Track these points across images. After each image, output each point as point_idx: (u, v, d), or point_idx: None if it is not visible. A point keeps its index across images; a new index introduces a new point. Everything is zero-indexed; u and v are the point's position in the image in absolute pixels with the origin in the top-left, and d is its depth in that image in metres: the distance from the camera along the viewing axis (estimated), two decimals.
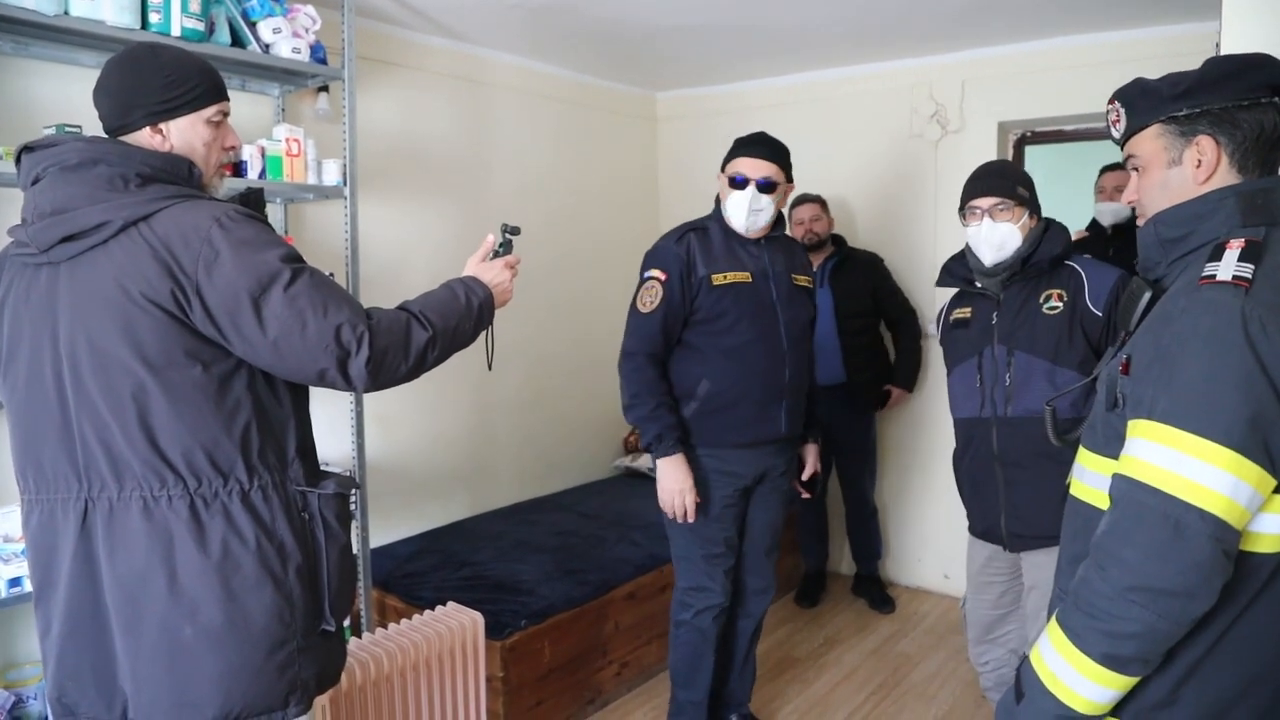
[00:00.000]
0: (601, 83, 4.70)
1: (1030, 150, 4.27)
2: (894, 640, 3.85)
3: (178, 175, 1.54)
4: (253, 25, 2.74)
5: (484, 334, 1.82)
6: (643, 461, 4.62)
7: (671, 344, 2.64)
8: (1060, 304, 2.27)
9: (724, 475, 2.66)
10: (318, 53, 2.90)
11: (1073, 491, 1.47)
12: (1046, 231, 2.36)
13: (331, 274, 2.03)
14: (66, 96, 2.62)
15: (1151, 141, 1.38)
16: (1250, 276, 1.19)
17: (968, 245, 2.42)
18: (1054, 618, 1.30)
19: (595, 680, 3.20)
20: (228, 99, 1.65)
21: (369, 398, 3.16)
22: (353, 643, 2.46)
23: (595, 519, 3.85)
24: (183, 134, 1.58)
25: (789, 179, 2.67)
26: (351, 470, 3.03)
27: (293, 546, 1.56)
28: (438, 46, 3.82)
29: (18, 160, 1.53)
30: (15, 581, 2.25)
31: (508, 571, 3.20)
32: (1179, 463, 1.16)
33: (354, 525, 2.84)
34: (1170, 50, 3.49)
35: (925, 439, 4.33)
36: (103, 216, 1.44)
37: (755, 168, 2.59)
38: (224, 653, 1.49)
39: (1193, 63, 1.38)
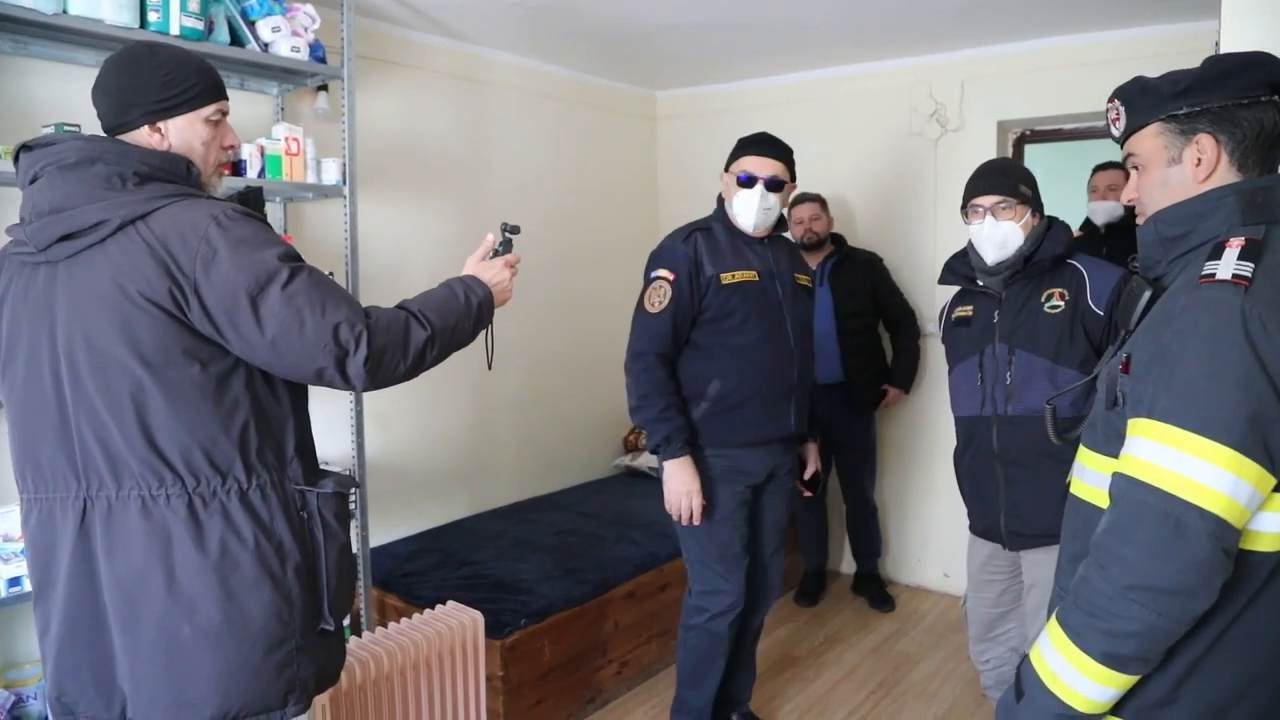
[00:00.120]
0: (601, 81, 4.70)
1: (1029, 149, 4.27)
2: (894, 639, 3.85)
3: (176, 174, 1.54)
4: (252, 24, 2.74)
5: (484, 333, 1.82)
6: (643, 460, 4.62)
7: (680, 344, 2.64)
8: (1062, 303, 2.27)
9: (737, 474, 2.66)
10: (317, 52, 2.90)
11: (1073, 490, 1.47)
12: (1049, 230, 2.35)
13: (331, 273, 2.04)
14: (65, 95, 2.62)
15: (1151, 140, 1.37)
16: (1250, 275, 1.19)
17: (970, 243, 2.42)
18: (1054, 616, 1.30)
19: (595, 679, 3.20)
20: (226, 98, 1.65)
21: (368, 397, 3.16)
22: (352, 642, 2.46)
23: (595, 518, 3.85)
24: (181, 133, 1.57)
25: (793, 178, 2.68)
26: (351, 469, 3.03)
27: (291, 545, 1.56)
28: (437, 45, 3.82)
29: (16, 159, 1.53)
30: (15, 581, 2.24)
31: (507, 570, 3.20)
32: (1179, 461, 1.16)
33: (354, 524, 2.84)
34: (1169, 49, 3.49)
35: (925, 438, 4.33)
36: (100, 215, 1.44)
37: (763, 166, 2.59)
38: (222, 652, 1.49)
39: (1192, 61, 1.38)
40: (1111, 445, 1.32)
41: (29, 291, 1.51)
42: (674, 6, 3.42)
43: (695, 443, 2.62)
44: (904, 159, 4.30)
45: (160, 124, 1.55)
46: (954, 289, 2.56)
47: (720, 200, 2.73)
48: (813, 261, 3.99)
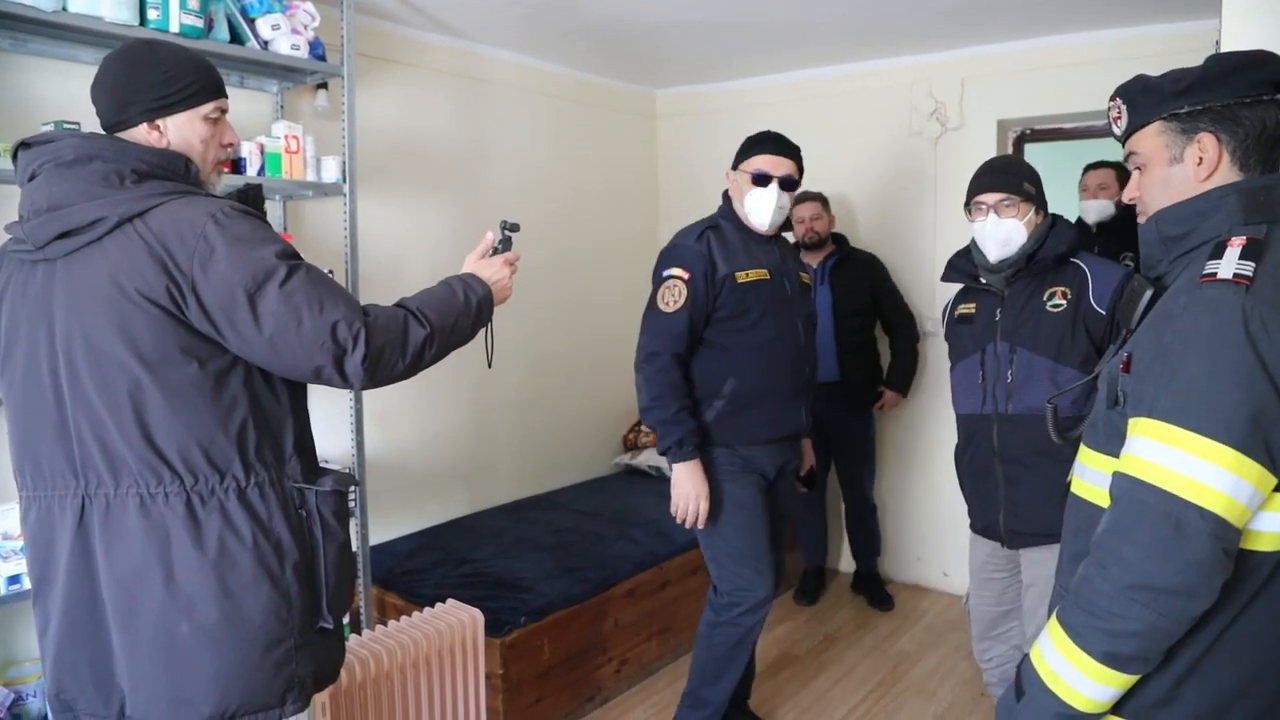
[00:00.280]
0: (601, 80, 4.69)
1: (1030, 148, 4.27)
2: (893, 638, 3.85)
3: (174, 172, 1.54)
4: (251, 22, 2.74)
5: (483, 332, 1.81)
6: (642, 459, 4.62)
7: (695, 343, 2.62)
8: (1064, 302, 2.27)
9: (752, 472, 2.66)
10: (316, 49, 2.89)
11: (1073, 489, 1.47)
12: (1053, 228, 2.35)
13: (331, 271, 2.04)
14: (65, 93, 2.62)
15: (1153, 139, 1.37)
16: (1251, 274, 1.19)
17: (973, 241, 2.42)
18: (1054, 615, 1.30)
19: (595, 677, 3.20)
20: (225, 96, 1.65)
21: (368, 395, 3.16)
22: (352, 640, 2.46)
23: (594, 516, 3.85)
24: (180, 130, 1.57)
25: (802, 176, 2.69)
26: (351, 467, 3.03)
27: (290, 544, 1.56)
28: (437, 43, 3.82)
29: (14, 156, 1.53)
30: (14, 579, 2.24)
31: (507, 569, 3.20)
32: (1180, 461, 1.16)
33: (353, 522, 2.84)
34: (1170, 48, 3.48)
35: (925, 437, 4.33)
36: (98, 213, 1.43)
37: (776, 165, 2.59)
38: (220, 650, 1.49)
39: (1193, 60, 1.38)
40: (1112, 444, 1.32)
41: (28, 289, 1.51)
42: (674, 4, 3.42)
43: (705, 445, 2.60)
44: (904, 158, 4.29)
45: (159, 121, 1.55)
46: (957, 286, 2.56)
47: (726, 198, 2.72)
48: (813, 260, 3.99)
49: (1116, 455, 1.28)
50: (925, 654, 3.68)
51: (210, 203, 1.49)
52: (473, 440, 4.08)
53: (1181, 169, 1.34)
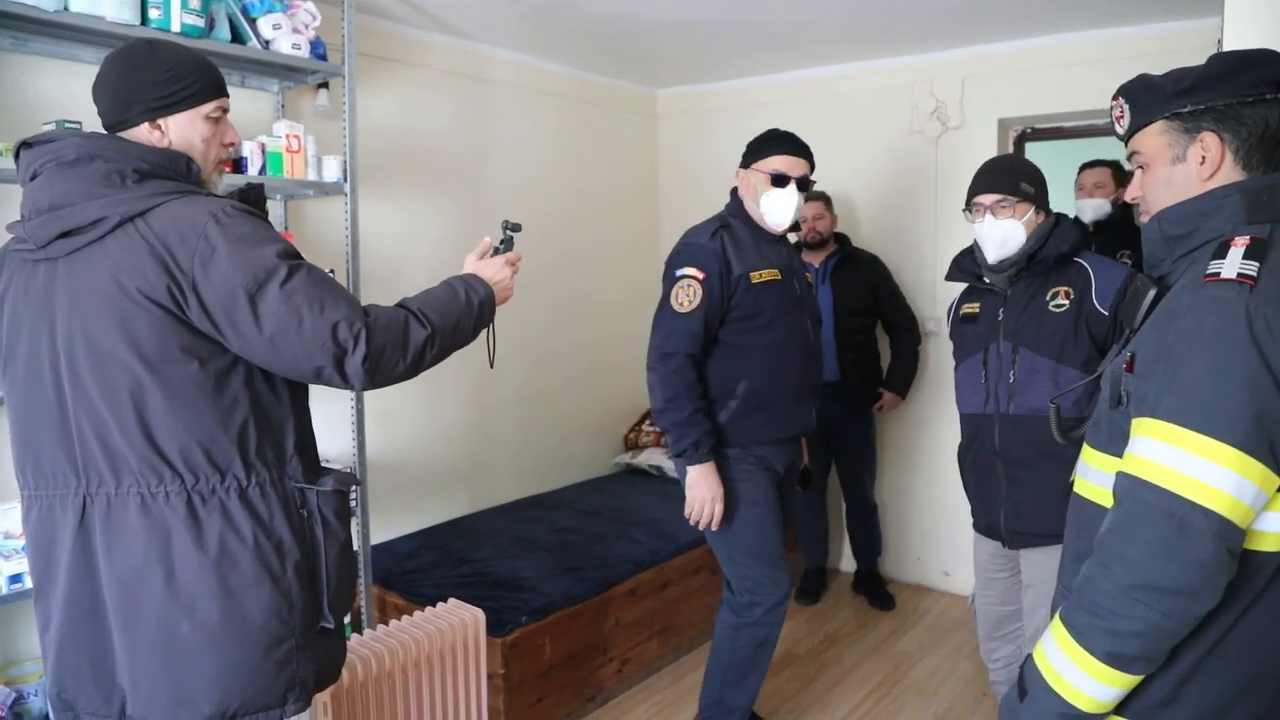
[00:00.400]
0: (601, 79, 4.69)
1: (1030, 147, 4.26)
2: (894, 638, 3.85)
3: (176, 171, 1.54)
4: (253, 21, 2.74)
5: (485, 332, 1.81)
6: (643, 458, 4.62)
7: (709, 344, 2.60)
8: (1067, 302, 2.26)
9: (765, 471, 2.65)
10: (318, 49, 2.89)
11: (1076, 489, 1.47)
12: (1056, 228, 2.34)
13: (332, 271, 2.04)
14: (66, 93, 2.62)
15: (1155, 138, 1.37)
16: (1255, 274, 1.18)
17: (975, 240, 2.42)
18: (1057, 615, 1.30)
19: (596, 677, 3.20)
20: (227, 95, 1.64)
21: (369, 395, 3.16)
22: (353, 639, 2.46)
23: (595, 516, 3.85)
24: (181, 130, 1.57)
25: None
26: (352, 467, 3.03)
27: (291, 544, 1.55)
28: (437, 43, 3.81)
29: (16, 156, 1.53)
30: (16, 578, 2.24)
31: (508, 568, 3.20)
32: (1183, 461, 1.16)
33: (354, 522, 2.84)
34: (1172, 47, 3.48)
35: (926, 436, 4.33)
36: (99, 212, 1.43)
37: (794, 165, 2.59)
38: (221, 650, 1.49)
39: (1195, 59, 1.38)
40: (1115, 444, 1.32)
41: (29, 288, 1.51)
42: (674, 4, 3.42)
43: (719, 445, 2.58)
44: (905, 157, 4.29)
45: (160, 121, 1.55)
46: (961, 286, 2.55)
47: (735, 197, 2.70)
48: (815, 260, 3.99)
49: (1120, 455, 1.28)
50: (926, 654, 3.68)
51: (212, 202, 1.49)
52: (473, 440, 4.08)
53: (1184, 168, 1.34)
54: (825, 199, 4.04)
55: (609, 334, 4.82)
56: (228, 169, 1.80)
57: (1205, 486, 1.14)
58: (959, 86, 4.11)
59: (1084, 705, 1.23)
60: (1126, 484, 1.22)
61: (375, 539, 3.33)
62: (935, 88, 4.16)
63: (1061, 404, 2.21)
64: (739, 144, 4.77)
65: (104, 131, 1.56)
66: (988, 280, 2.40)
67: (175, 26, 2.48)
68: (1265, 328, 1.15)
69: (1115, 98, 1.44)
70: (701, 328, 2.53)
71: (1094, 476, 1.40)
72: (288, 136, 2.84)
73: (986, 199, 2.34)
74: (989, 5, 3.42)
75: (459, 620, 2.61)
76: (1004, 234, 2.32)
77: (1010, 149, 4.20)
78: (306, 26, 2.87)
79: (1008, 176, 2.35)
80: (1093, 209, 3.80)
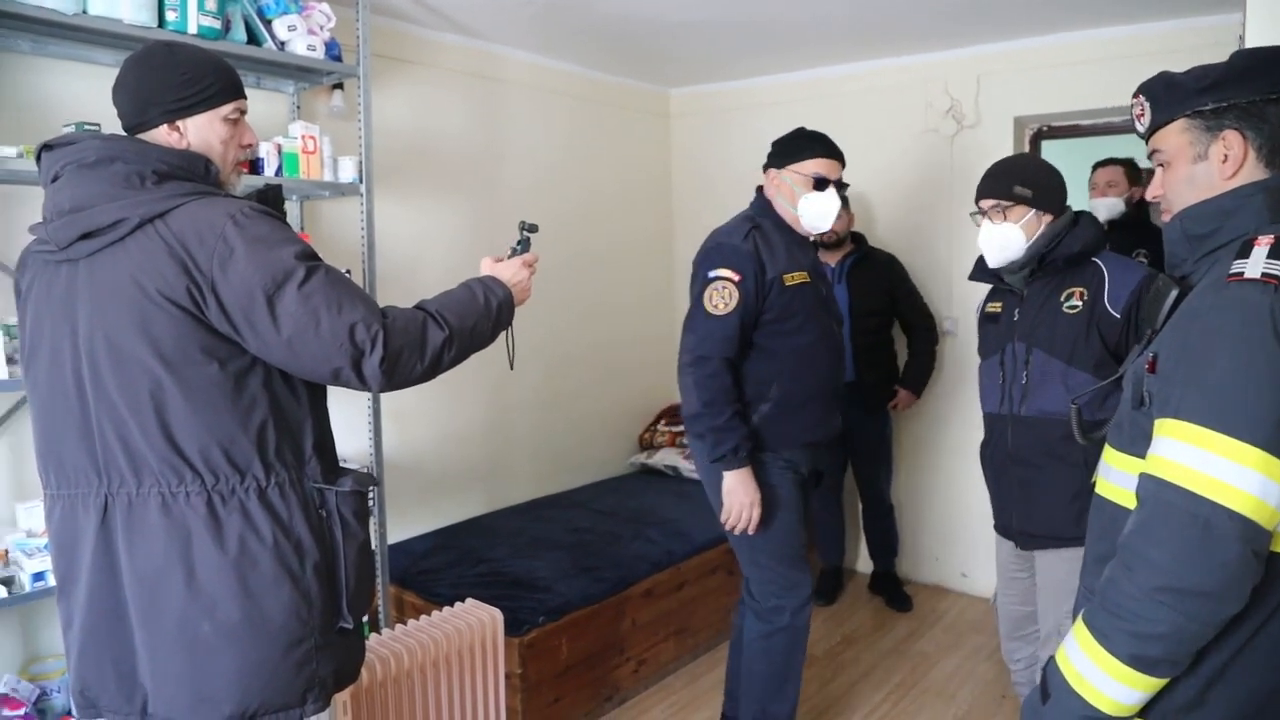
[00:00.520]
0: (614, 79, 4.69)
1: (1047, 145, 4.24)
2: (912, 639, 3.83)
3: (194, 172, 1.54)
4: (268, 23, 2.74)
5: (505, 334, 1.81)
6: (659, 458, 4.62)
7: (744, 347, 2.54)
8: (1080, 303, 2.23)
9: (794, 474, 2.62)
10: (333, 50, 2.90)
11: (1098, 490, 1.46)
12: (1074, 226, 2.30)
13: (348, 271, 2.04)
14: (85, 95, 2.63)
15: (1177, 136, 1.36)
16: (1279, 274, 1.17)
17: None
18: (1080, 617, 1.29)
19: (613, 677, 3.20)
20: (245, 96, 1.65)
21: (386, 395, 3.16)
22: (372, 639, 2.47)
23: (611, 516, 3.85)
24: (200, 131, 1.58)
25: None
26: (369, 467, 3.04)
27: (310, 544, 1.56)
28: (451, 43, 3.82)
29: (38, 158, 1.54)
30: (39, 576, 2.26)
31: (524, 568, 3.20)
32: (1206, 462, 1.15)
33: (371, 522, 2.85)
34: (1191, 44, 3.45)
35: (943, 436, 4.31)
36: (119, 214, 1.44)
37: (833, 168, 2.57)
38: (241, 649, 1.50)
39: (1214, 56, 1.36)
40: (1138, 445, 1.31)
41: (51, 289, 1.52)
42: (686, 3, 3.41)
43: (753, 449, 2.54)
44: (920, 156, 4.28)
45: (179, 123, 1.56)
46: (986, 285, 2.54)
47: (762, 197, 2.65)
48: (831, 259, 3.97)
49: (1142, 456, 1.27)
50: (945, 655, 3.67)
51: (230, 203, 1.49)
52: (489, 440, 4.09)
53: (1206, 167, 1.33)
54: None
55: (623, 334, 4.82)
56: (245, 170, 1.81)
57: (1229, 488, 1.13)
58: (974, 84, 4.08)
59: (1107, 708, 1.23)
60: (1150, 485, 1.21)
61: (392, 538, 3.34)
62: (950, 86, 4.13)
63: (1067, 406, 2.21)
64: (752, 143, 4.75)
65: (124, 133, 1.57)
66: (1006, 280, 2.39)
67: (192, 28, 2.49)
68: None
69: (1136, 95, 1.43)
70: (737, 331, 2.47)
71: (1116, 478, 1.39)
72: (304, 137, 2.84)
73: (984, 203, 2.34)
74: (1003, 2, 3.39)
75: (477, 620, 2.61)
76: (1002, 238, 2.30)
77: (1026, 147, 4.18)
78: (321, 28, 2.88)
79: (1002, 180, 2.33)
80: (1106, 208, 3.77)
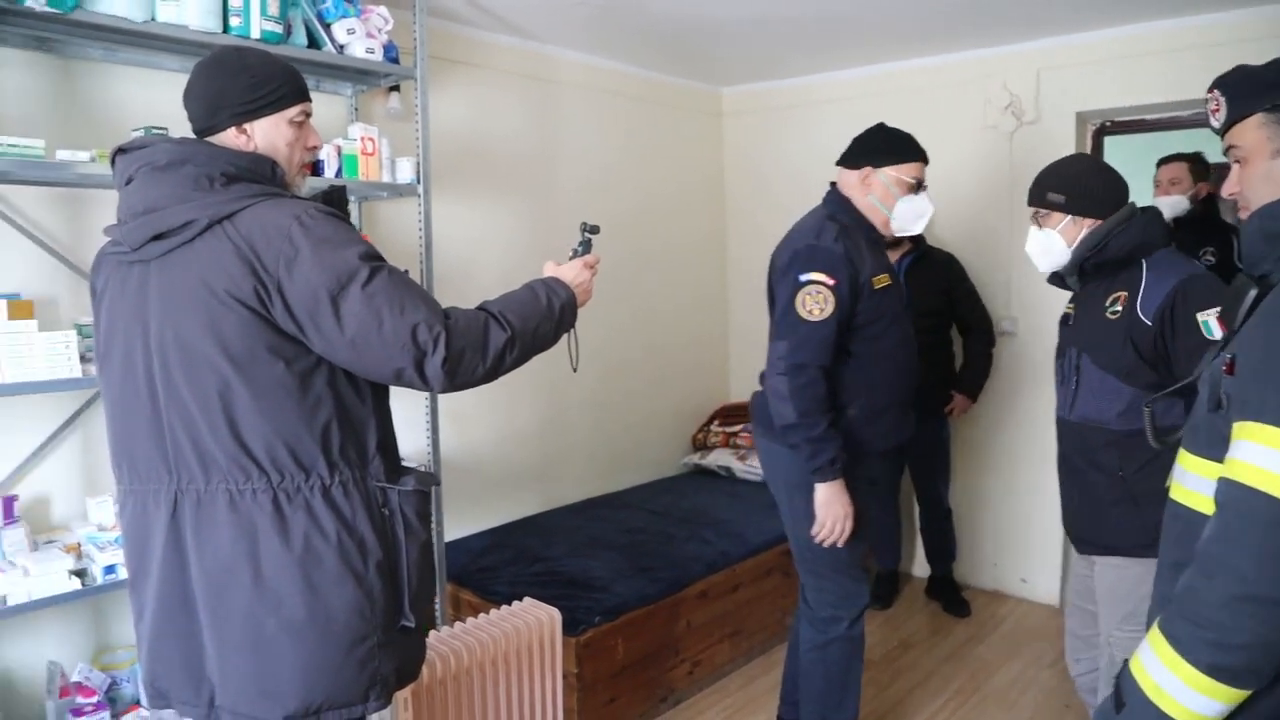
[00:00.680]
0: (666, 78, 4.68)
1: (1110, 140, 4.14)
2: (971, 645, 3.77)
3: (261, 174, 1.57)
4: (328, 26, 2.78)
5: (567, 335, 1.80)
6: (712, 459, 4.60)
7: (838, 354, 2.45)
8: (1120, 308, 2.17)
9: (870, 483, 2.59)
10: (390, 53, 2.93)
11: (1173, 495, 1.41)
12: (1127, 225, 2.22)
13: (406, 271, 2.06)
14: (152, 100, 2.70)
15: (1254, 131, 1.32)
16: None
17: None
18: (1155, 625, 1.25)
19: (668, 678, 3.19)
20: (310, 100, 1.68)
21: (444, 395, 3.19)
22: (431, 636, 2.48)
23: (664, 516, 3.84)
24: (266, 134, 1.61)
25: None
26: (427, 465, 3.07)
27: (373, 542, 1.57)
28: (504, 44, 3.84)
29: (112, 162, 1.58)
30: (110, 569, 2.31)
31: (580, 568, 3.20)
32: None
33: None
34: (1260, 33, 3.35)
35: (1001, 439, 4.23)
36: (189, 215, 1.47)
37: (923, 171, 2.54)
38: (305, 646, 1.52)
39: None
40: (1215, 449, 1.26)
41: (124, 290, 1.55)
42: (739, 1, 3.39)
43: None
44: (979, 153, 4.20)
45: (246, 125, 1.59)
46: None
47: (839, 194, 2.56)
48: (890, 258, 3.91)
49: (1219, 460, 1.23)
50: (1005, 662, 3.60)
51: (295, 205, 1.51)
52: (544, 439, 4.10)
53: None
54: None
55: (677, 335, 4.81)
56: (308, 172, 1.83)
57: None
58: (1034, 79, 4.00)
59: (1184, 718, 1.19)
60: (1229, 490, 1.17)
61: (448, 536, 3.38)
62: (1009, 81, 4.05)
63: (1105, 414, 2.18)
64: (807, 141, 4.71)
65: (194, 136, 1.61)
66: (1069, 283, 2.35)
67: (255, 33, 2.53)
68: None
69: (1211, 90, 1.39)
70: (834, 337, 2.39)
71: (1192, 482, 1.35)
72: (363, 139, 2.88)
73: (1029, 211, 2.34)
74: None
75: (535, 619, 2.62)
76: (1042, 245, 2.29)
77: (1089, 143, 4.09)
78: (379, 30, 2.91)
79: (1037, 188, 2.32)
80: (1170, 206, 3.67)
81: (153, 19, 2.35)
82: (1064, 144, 3.90)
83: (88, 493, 2.61)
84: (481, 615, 2.67)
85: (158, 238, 1.49)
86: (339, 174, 2.80)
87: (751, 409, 2.72)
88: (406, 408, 3.00)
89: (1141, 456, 2.11)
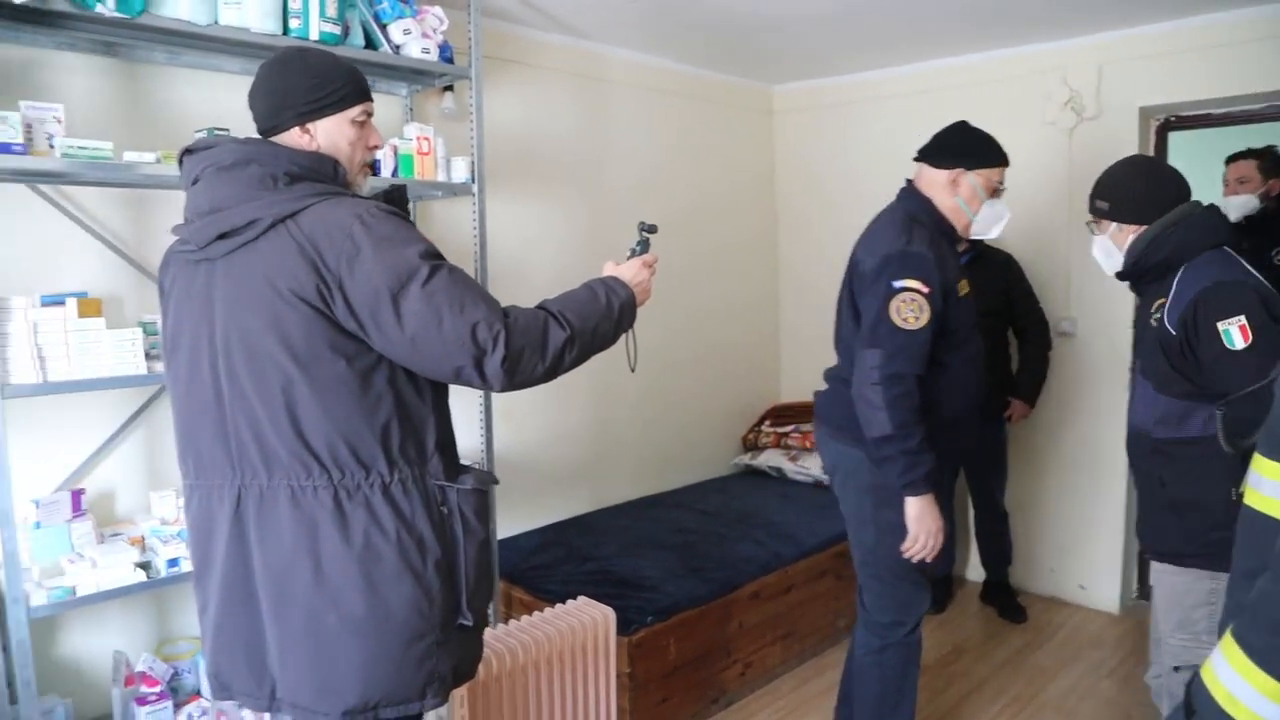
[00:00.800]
0: (717, 76, 4.66)
1: (1174, 136, 4.02)
2: (1027, 652, 3.69)
3: (323, 174, 1.58)
4: (384, 27, 2.81)
5: (625, 335, 1.79)
6: (763, 459, 4.57)
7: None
8: (1160, 315, 2.14)
9: (936, 489, 2.50)
10: (445, 53, 2.94)
11: (1247, 501, 1.36)
12: (1168, 231, 2.17)
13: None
14: (213, 102, 2.75)
15: None
16: None
17: None
18: (1229, 633, 1.21)
19: (719, 679, 3.17)
20: (371, 99, 1.69)
21: (497, 394, 3.19)
22: (487, 634, 2.49)
23: (716, 516, 3.82)
24: (329, 134, 1.62)
25: None
26: (480, 462, 3.08)
27: (432, 540, 1.58)
28: (557, 43, 3.85)
29: (180, 162, 1.60)
30: (173, 562, 2.36)
31: (631, 567, 3.20)
32: None
33: None
34: None
35: (1059, 442, 4.14)
36: (253, 214, 1.49)
37: (1004, 176, 2.50)
38: (365, 642, 1.52)
39: None
40: None
41: (191, 288, 1.57)
42: None
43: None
44: (1037, 150, 4.11)
45: (309, 125, 1.60)
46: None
47: (919, 194, 2.47)
48: None
49: None
50: (1062, 671, 3.52)
51: (357, 203, 1.52)
52: (595, 438, 4.11)
53: None
54: None
55: (727, 334, 4.79)
56: (369, 172, 1.85)
57: None
58: (1095, 74, 3.90)
59: None
60: None
61: (500, 534, 3.39)
62: (1069, 76, 3.96)
63: (1146, 420, 2.18)
64: (861, 139, 4.66)
65: (258, 137, 1.62)
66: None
67: (314, 34, 2.55)
68: None
69: None
70: (929, 346, 2.29)
71: (1268, 488, 1.30)
72: (419, 139, 2.90)
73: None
74: None
75: (589, 618, 2.62)
76: (1101, 251, 2.31)
77: (1152, 139, 3.98)
78: (435, 31, 2.93)
79: (1091, 196, 2.32)
80: (1238, 206, 3.56)
81: (215, 22, 2.39)
82: (1126, 140, 3.81)
83: (151, 487, 2.66)
84: (536, 613, 2.68)
85: (223, 236, 1.51)
86: (394, 173, 2.82)
87: (819, 409, 2.65)
88: (461, 405, 2.99)
89: (1179, 466, 2.12)
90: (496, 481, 1.76)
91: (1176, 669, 2.17)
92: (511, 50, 3.66)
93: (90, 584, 2.23)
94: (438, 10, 2.95)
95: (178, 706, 2.48)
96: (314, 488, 1.51)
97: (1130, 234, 2.24)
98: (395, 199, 1.68)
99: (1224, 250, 2.15)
